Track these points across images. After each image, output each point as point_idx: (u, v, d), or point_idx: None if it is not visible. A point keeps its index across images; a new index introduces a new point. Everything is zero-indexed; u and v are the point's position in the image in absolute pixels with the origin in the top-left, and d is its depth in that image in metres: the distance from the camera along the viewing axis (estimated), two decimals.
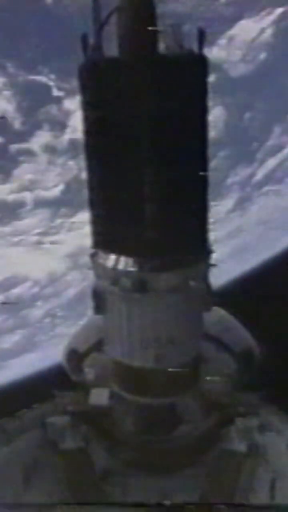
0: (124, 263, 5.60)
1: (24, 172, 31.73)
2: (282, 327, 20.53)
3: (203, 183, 5.60)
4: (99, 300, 5.97)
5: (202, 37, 5.07)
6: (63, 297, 33.68)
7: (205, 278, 5.91)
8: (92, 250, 5.95)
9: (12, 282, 32.94)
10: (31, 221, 32.61)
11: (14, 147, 30.89)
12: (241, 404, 6.68)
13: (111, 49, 5.09)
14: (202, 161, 5.52)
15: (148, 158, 5.12)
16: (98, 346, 7.40)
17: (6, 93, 29.91)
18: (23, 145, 31.03)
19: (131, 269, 5.55)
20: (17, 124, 30.78)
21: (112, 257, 5.68)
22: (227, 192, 36.14)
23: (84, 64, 5.16)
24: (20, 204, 32.04)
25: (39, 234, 32.75)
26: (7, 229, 32.17)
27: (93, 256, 5.94)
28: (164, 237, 5.41)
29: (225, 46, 32.27)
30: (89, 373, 7.40)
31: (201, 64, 5.19)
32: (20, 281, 33.26)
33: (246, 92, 34.14)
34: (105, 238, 5.74)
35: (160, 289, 5.53)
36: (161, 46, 5.09)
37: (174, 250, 5.54)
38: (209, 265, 5.90)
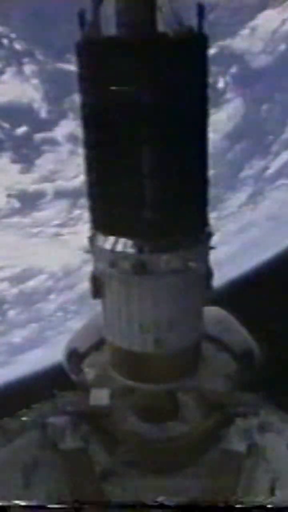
0: (123, 245, 5.51)
1: (46, 162, 31.65)
2: (284, 326, 20.50)
3: (203, 164, 5.49)
4: (98, 283, 5.86)
5: (201, 14, 4.90)
6: (76, 290, 33.59)
7: (205, 260, 5.83)
8: (91, 233, 5.84)
9: (28, 274, 33.19)
10: (50, 212, 32.61)
11: (38, 136, 30.92)
12: (241, 404, 6.67)
13: (110, 27, 4.96)
14: (202, 141, 5.41)
15: (147, 138, 5.02)
16: (98, 346, 7.39)
17: (34, 81, 29.89)
18: (47, 134, 31.01)
19: (130, 251, 5.46)
20: (43, 113, 30.71)
21: (111, 239, 5.58)
22: (241, 185, 36.22)
23: (82, 42, 4.99)
24: (41, 195, 32.08)
25: (57, 225, 32.75)
26: (26, 220, 32.27)
27: (91, 238, 5.82)
28: (164, 219, 5.32)
29: (248, 36, 32.36)
30: (89, 373, 7.40)
31: (200, 42, 5.04)
32: (36, 273, 33.49)
33: (265, 84, 34.22)
34: (104, 220, 5.62)
35: (160, 271, 5.45)
36: (160, 24, 4.96)
37: (174, 232, 5.46)
38: (209, 247, 5.83)
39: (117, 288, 5.74)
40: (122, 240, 5.53)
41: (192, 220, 5.59)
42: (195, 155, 5.37)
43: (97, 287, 5.89)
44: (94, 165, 5.41)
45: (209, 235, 5.82)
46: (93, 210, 5.65)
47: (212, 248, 5.85)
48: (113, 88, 4.93)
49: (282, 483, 5.62)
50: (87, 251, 5.88)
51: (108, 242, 5.61)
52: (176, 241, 5.49)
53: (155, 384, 6.18)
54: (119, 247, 5.53)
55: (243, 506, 5.48)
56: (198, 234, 5.70)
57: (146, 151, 5.05)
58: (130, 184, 5.22)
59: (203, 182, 5.58)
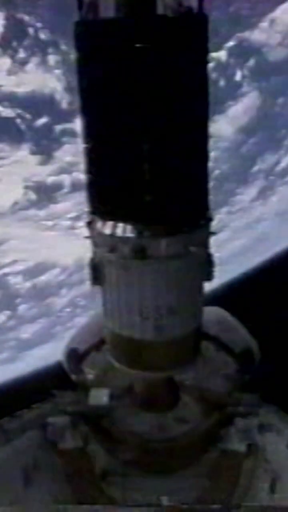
0: (123, 229, 5.38)
1: (65, 154, 31.28)
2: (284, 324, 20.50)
3: (204, 147, 5.38)
4: (97, 269, 5.74)
5: None
6: (86, 285, 33.46)
7: (205, 245, 5.74)
8: (89, 218, 5.71)
9: (41, 268, 33.04)
10: (66, 205, 32.24)
11: (58, 127, 30.65)
12: (241, 404, 6.67)
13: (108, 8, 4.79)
14: (203, 124, 5.30)
15: (146, 121, 4.89)
16: (98, 346, 7.39)
17: (57, 71, 29.58)
18: (67, 125, 30.63)
19: (130, 235, 5.34)
20: (64, 104, 30.32)
21: (110, 223, 5.44)
22: (253, 180, 35.93)
23: (79, 24, 4.88)
24: (58, 187, 31.75)
25: (72, 218, 32.36)
26: (42, 212, 32.05)
27: (90, 223, 5.70)
28: (164, 202, 5.20)
29: (266, 29, 32.05)
30: (89, 373, 7.41)
31: (200, 22, 4.91)
32: (49, 267, 33.27)
33: (281, 77, 33.77)
34: (103, 204, 5.49)
35: (160, 255, 5.33)
36: (160, 5, 4.75)
37: (174, 216, 5.34)
38: (209, 232, 5.75)
39: (116, 274, 5.61)
40: (121, 225, 5.40)
41: (192, 204, 5.48)
42: (196, 138, 5.26)
43: (97, 274, 5.79)
44: (92, 148, 5.31)
45: (209, 219, 5.72)
46: (91, 194, 5.54)
47: (213, 233, 5.77)
48: (111, 71, 4.81)
49: (282, 483, 5.62)
50: (86, 237, 5.78)
51: (107, 227, 5.48)
52: (176, 225, 5.38)
53: (155, 371, 6.09)
54: (119, 232, 5.40)
55: (243, 506, 5.48)
56: (199, 219, 5.59)
57: (146, 133, 4.94)
58: (129, 167, 5.09)
59: (204, 165, 5.48)
